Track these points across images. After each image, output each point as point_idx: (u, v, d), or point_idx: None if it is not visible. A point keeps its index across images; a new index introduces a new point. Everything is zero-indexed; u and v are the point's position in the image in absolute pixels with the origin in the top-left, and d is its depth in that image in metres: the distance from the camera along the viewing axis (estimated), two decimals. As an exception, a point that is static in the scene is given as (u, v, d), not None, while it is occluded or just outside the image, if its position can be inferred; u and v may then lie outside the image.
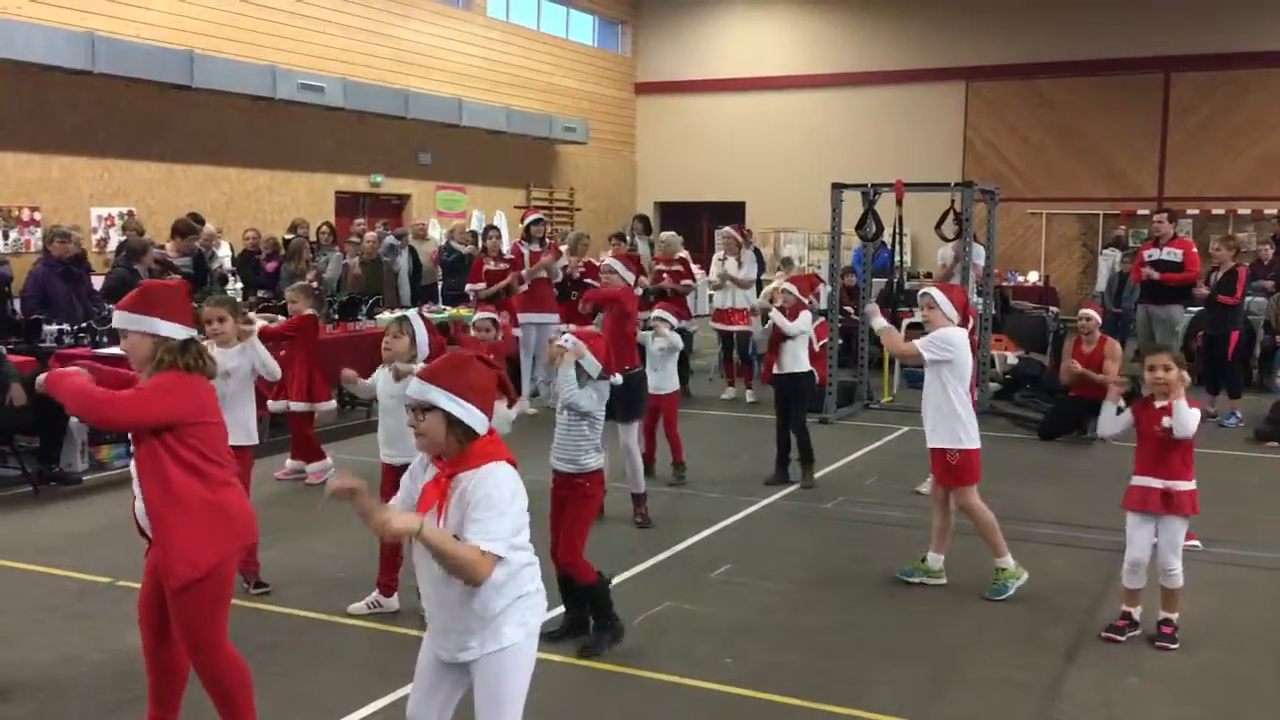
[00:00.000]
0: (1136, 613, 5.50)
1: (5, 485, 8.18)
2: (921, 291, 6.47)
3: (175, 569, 3.69)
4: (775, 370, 8.54)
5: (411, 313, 6.20)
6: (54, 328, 9.21)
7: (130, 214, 13.73)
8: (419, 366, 5.57)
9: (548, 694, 4.75)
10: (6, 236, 12.63)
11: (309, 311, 8.51)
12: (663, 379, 8.20)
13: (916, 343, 6.25)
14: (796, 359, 8.44)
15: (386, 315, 12.03)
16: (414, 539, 3.00)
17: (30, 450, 8.36)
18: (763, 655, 5.25)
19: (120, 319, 3.84)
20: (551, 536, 5.25)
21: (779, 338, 8.47)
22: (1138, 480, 5.43)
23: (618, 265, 8.23)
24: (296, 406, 8.53)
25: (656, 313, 8.43)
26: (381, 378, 5.77)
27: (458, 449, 3.13)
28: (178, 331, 3.80)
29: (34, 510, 7.69)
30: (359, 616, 5.64)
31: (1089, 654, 5.29)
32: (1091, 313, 10.32)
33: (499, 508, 3.06)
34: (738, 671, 5.02)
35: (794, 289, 8.58)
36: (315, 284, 12.04)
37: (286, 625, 5.52)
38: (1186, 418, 5.24)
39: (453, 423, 3.10)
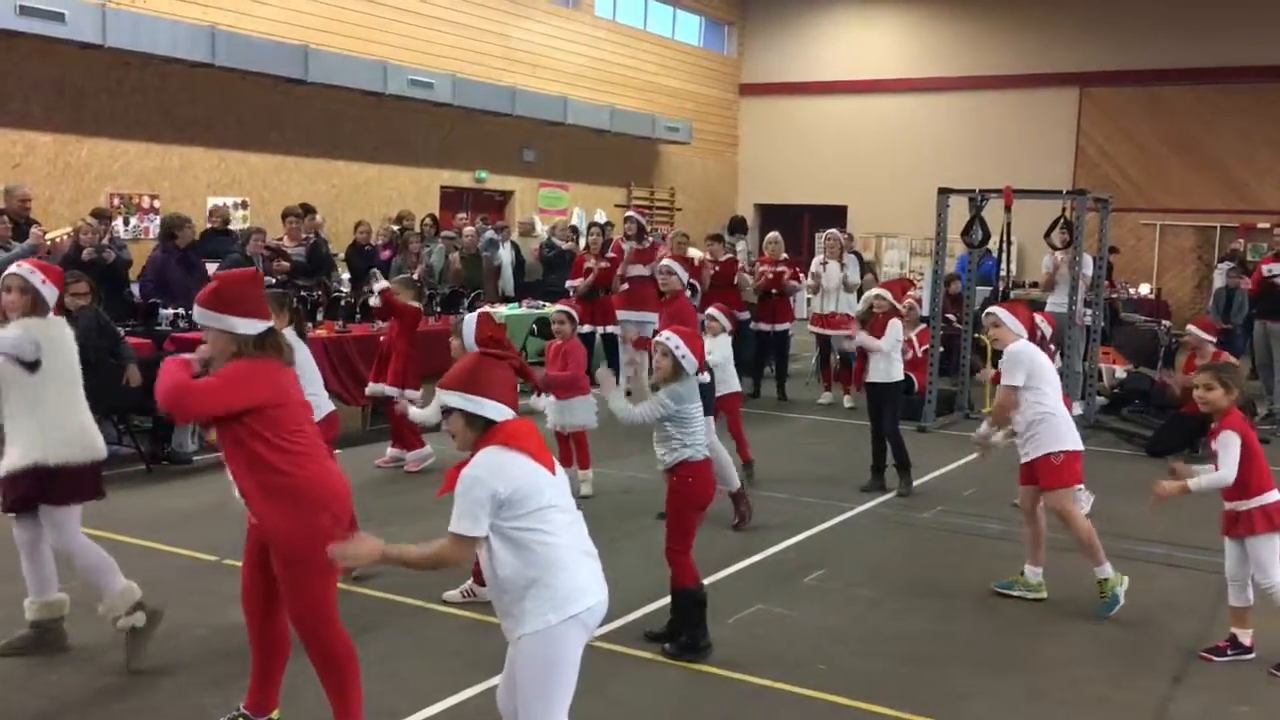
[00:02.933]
0: (1244, 636, 5.30)
1: (120, 463, 8.45)
2: (986, 311, 6.38)
3: (276, 547, 3.84)
4: (866, 378, 8.51)
5: (468, 315, 6.27)
6: (170, 312, 9.50)
7: (245, 203, 14.13)
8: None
9: (639, 691, 4.77)
10: (127, 223, 13.07)
11: (415, 304, 8.69)
12: (721, 380, 7.96)
13: (1001, 389, 6.12)
14: (884, 369, 8.34)
15: (487, 309, 12.19)
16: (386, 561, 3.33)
17: (144, 430, 8.65)
18: (856, 663, 5.18)
19: (199, 315, 3.90)
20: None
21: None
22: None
23: (677, 267, 8.66)
24: (390, 390, 8.62)
25: (709, 311, 8.39)
26: None
27: (478, 441, 3.34)
28: (255, 327, 3.88)
29: (146, 488, 7.95)
30: (454, 604, 5.71)
31: (1197, 678, 5.12)
32: (1195, 329, 9.93)
33: (462, 490, 3.24)
34: (830, 678, 4.96)
35: (888, 295, 8.50)
36: (417, 278, 12.26)
37: (383, 610, 5.61)
38: (1222, 452, 5.17)
39: (470, 418, 3.32)
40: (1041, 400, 6.01)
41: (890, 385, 8.35)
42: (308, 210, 12.50)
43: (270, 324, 3.96)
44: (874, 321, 8.52)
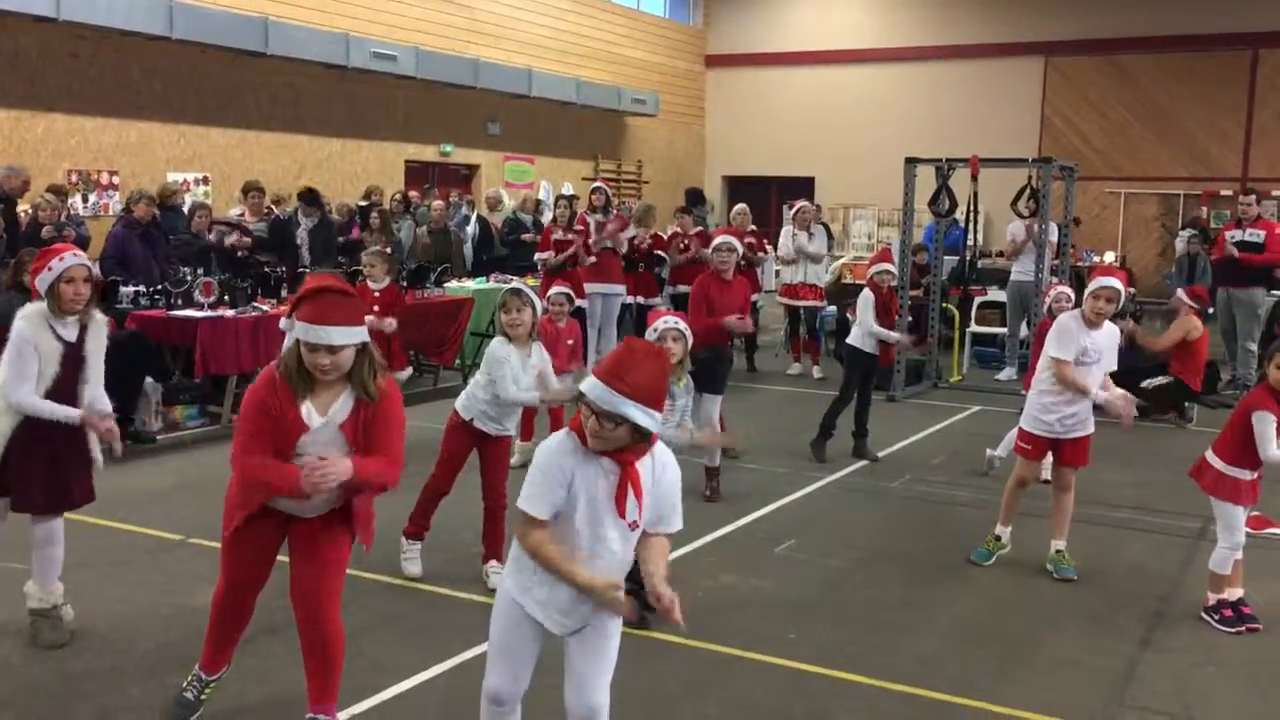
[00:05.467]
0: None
1: (82, 442, 8.33)
2: (1109, 284, 5.82)
3: (346, 532, 3.88)
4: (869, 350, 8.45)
5: (520, 284, 6.08)
6: (131, 289, 9.37)
7: (206, 178, 13.93)
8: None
9: (610, 663, 4.75)
10: (86, 200, 12.87)
11: (388, 282, 8.53)
12: None
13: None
14: (872, 339, 8.39)
15: (454, 284, 12.09)
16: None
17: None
18: (827, 631, 5.20)
19: (341, 335, 3.51)
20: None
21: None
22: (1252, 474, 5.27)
23: (736, 243, 7.68)
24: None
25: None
26: (515, 358, 5.55)
27: (630, 446, 3.13)
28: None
29: (109, 468, 7.76)
30: (419, 581, 5.66)
31: (1164, 640, 5.17)
32: (1181, 294, 10.07)
33: (678, 492, 3.30)
34: (800, 647, 4.97)
35: (893, 269, 8.55)
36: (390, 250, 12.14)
37: (350, 587, 5.56)
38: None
39: (639, 430, 3.09)
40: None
41: (875, 355, 8.43)
42: (314, 198, 12.12)
43: None
44: (890, 295, 8.51)
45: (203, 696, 4.18)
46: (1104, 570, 6.03)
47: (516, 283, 6.15)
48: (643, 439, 3.12)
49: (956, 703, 4.48)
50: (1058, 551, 5.98)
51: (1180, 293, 10.14)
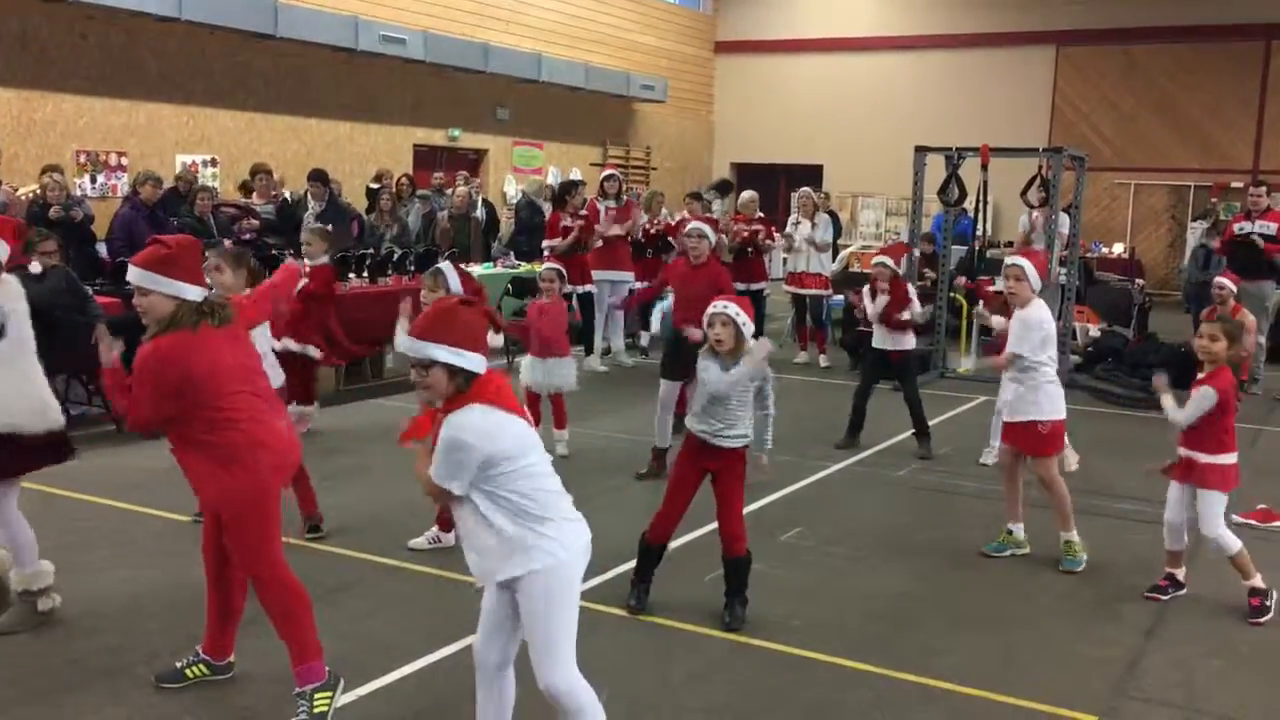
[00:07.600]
0: (1180, 574, 5.57)
1: (90, 423, 8.37)
2: (1011, 262, 6.17)
3: (214, 507, 4.04)
4: (881, 345, 8.45)
5: (444, 265, 6.14)
6: (138, 270, 9.35)
7: (214, 160, 13.93)
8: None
9: (613, 649, 4.76)
10: (94, 181, 12.87)
11: (324, 260, 7.92)
12: None
13: (1007, 352, 6.07)
14: (898, 336, 8.39)
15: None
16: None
17: (114, 389, 8.54)
18: (830, 619, 5.20)
19: (141, 277, 3.90)
20: (671, 504, 5.16)
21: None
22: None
23: (707, 230, 7.68)
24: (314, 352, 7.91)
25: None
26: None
27: (457, 393, 3.28)
28: (198, 293, 3.95)
29: (117, 448, 7.86)
30: (427, 564, 5.68)
31: (1168, 632, 5.17)
32: (1226, 281, 10.01)
33: (447, 448, 3.23)
34: (804, 634, 4.98)
35: (890, 261, 8.50)
36: (395, 232, 12.10)
37: (355, 569, 5.58)
38: (1194, 402, 5.25)
39: (454, 372, 3.25)
40: (1043, 368, 5.98)
41: (905, 352, 8.44)
42: (322, 178, 11.98)
43: (207, 291, 4.02)
44: (877, 286, 8.48)
45: (188, 671, 4.26)
46: (1108, 561, 6.02)
47: (442, 264, 6.19)
48: (463, 384, 3.26)
49: (961, 691, 4.48)
50: (1066, 543, 5.98)
51: (1228, 282, 9.95)
